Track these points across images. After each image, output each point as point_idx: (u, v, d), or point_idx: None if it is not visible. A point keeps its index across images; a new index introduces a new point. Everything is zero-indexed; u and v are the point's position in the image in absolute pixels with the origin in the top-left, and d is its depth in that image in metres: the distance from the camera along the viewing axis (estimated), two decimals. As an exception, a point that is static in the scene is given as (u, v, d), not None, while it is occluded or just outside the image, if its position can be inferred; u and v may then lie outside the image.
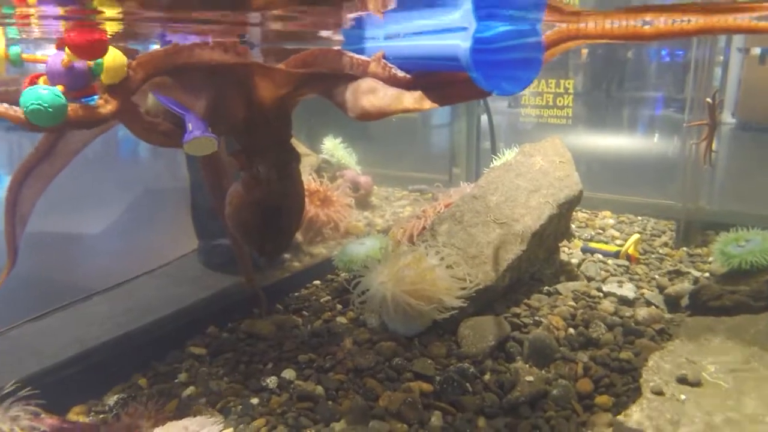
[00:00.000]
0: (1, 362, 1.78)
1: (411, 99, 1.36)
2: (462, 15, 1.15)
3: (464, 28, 1.12)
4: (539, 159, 2.56)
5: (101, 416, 1.67)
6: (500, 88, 1.13)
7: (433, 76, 1.40)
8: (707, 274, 2.54)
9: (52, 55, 1.25)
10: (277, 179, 1.71)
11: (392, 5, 1.42)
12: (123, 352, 1.91)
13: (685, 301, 2.24)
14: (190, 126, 1.44)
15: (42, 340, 1.92)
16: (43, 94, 1.17)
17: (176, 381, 1.86)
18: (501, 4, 1.10)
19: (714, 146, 2.70)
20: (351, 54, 1.51)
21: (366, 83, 1.49)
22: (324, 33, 1.99)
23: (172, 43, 1.40)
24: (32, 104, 1.17)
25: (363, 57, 1.49)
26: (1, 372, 1.65)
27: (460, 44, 1.12)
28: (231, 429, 1.54)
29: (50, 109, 1.18)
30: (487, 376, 1.82)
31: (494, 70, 1.10)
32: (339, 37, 2.06)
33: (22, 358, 1.80)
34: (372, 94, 1.46)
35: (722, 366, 1.73)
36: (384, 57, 1.45)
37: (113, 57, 1.26)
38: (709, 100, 2.60)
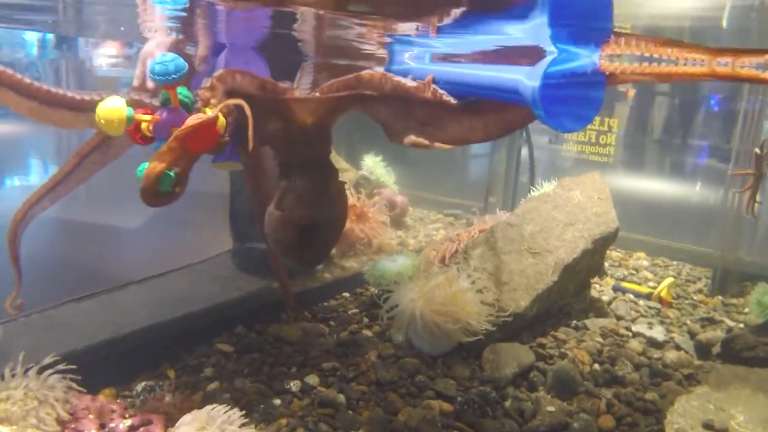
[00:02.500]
0: (39, 338, 1.85)
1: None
2: (534, 31, 1.17)
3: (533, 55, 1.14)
4: (577, 193, 2.56)
5: (128, 400, 1.72)
6: (562, 125, 1.14)
7: (482, 105, 1.43)
8: (742, 325, 2.48)
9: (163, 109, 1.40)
10: (312, 193, 1.74)
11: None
12: (153, 341, 1.96)
13: (716, 349, 2.20)
14: None
15: (78, 321, 1.98)
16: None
17: (202, 375, 1.89)
18: (575, 19, 1.10)
19: (758, 197, 2.67)
20: (397, 78, 1.55)
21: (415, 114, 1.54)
22: (371, 48, 2.04)
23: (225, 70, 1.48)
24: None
25: (410, 81, 1.54)
26: (39, 347, 1.70)
27: (523, 79, 1.13)
28: (253, 426, 1.56)
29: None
30: (508, 403, 1.82)
31: (557, 107, 1.11)
32: (384, 53, 2.10)
33: (59, 336, 1.87)
34: (419, 131, 1.52)
35: (752, 416, 1.69)
36: (434, 81, 1.49)
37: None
38: (757, 150, 2.58)
